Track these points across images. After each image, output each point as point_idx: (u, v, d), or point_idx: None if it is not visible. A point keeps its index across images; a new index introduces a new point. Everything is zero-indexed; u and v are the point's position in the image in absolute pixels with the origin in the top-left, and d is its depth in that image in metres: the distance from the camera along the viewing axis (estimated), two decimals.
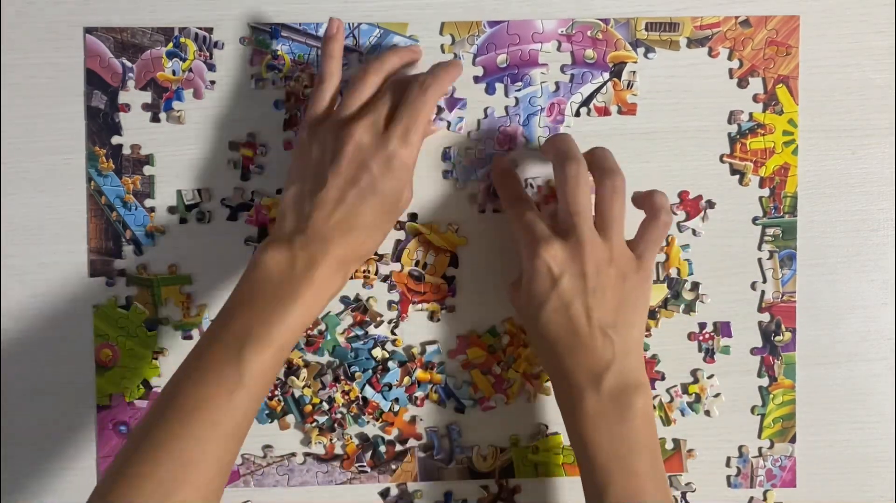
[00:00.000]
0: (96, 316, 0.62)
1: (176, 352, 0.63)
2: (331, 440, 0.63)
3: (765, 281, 0.63)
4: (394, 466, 0.63)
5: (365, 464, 0.63)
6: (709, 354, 0.63)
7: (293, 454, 0.63)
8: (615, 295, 0.53)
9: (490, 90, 0.62)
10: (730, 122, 0.62)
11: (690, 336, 0.63)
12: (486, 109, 0.62)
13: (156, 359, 0.63)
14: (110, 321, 0.62)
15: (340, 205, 0.53)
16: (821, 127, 0.62)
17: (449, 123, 0.62)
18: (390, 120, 0.54)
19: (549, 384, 0.63)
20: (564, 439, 0.63)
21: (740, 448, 0.63)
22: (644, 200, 0.56)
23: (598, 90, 0.62)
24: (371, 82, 0.56)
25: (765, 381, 0.63)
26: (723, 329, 0.63)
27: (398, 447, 0.63)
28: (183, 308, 0.62)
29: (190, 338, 0.63)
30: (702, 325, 0.63)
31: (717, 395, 0.63)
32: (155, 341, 0.63)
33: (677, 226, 0.62)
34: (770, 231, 0.63)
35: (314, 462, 0.63)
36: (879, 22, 0.62)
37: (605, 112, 0.62)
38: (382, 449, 0.63)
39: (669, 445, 0.64)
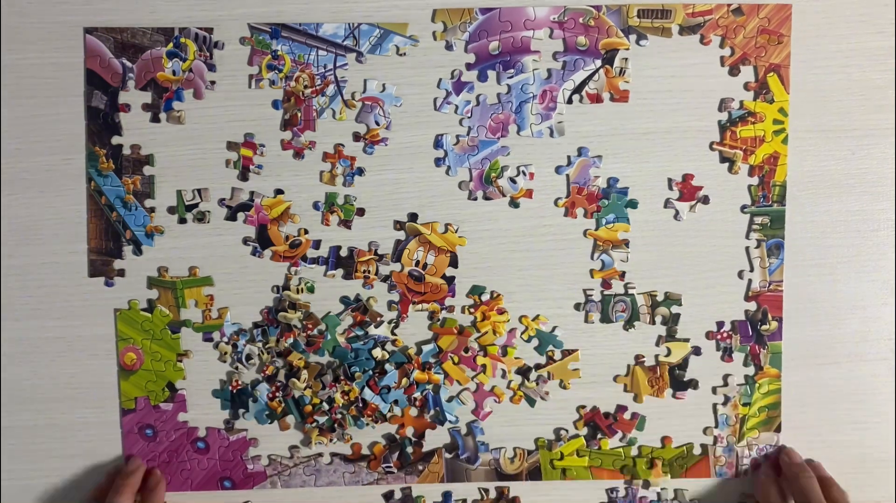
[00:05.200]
0: (119, 319, 0.62)
1: (199, 354, 0.63)
2: (331, 440, 0.63)
3: (752, 270, 0.63)
4: (420, 467, 0.63)
5: (391, 464, 0.63)
6: (727, 353, 0.63)
7: (320, 454, 0.63)
8: None
9: (482, 77, 0.62)
10: (720, 109, 0.62)
11: (709, 335, 0.63)
12: (478, 97, 0.62)
13: (180, 361, 0.63)
14: (133, 324, 0.62)
15: None
16: (821, 127, 0.62)
17: (456, 107, 0.62)
18: None
19: (537, 379, 0.63)
20: (594, 444, 0.64)
21: (727, 437, 0.63)
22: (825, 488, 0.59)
23: (590, 77, 0.62)
24: None
25: (751, 370, 0.63)
26: (741, 328, 0.63)
27: (425, 447, 0.63)
28: (206, 310, 0.62)
29: (210, 340, 0.63)
30: (720, 324, 0.63)
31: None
32: (179, 344, 0.63)
33: (664, 202, 0.62)
34: (758, 220, 0.62)
35: (341, 462, 0.64)
36: (879, 22, 0.62)
37: (597, 99, 0.62)
38: (409, 450, 0.63)
39: (697, 450, 0.64)
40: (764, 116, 0.62)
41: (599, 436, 0.63)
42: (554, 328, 0.63)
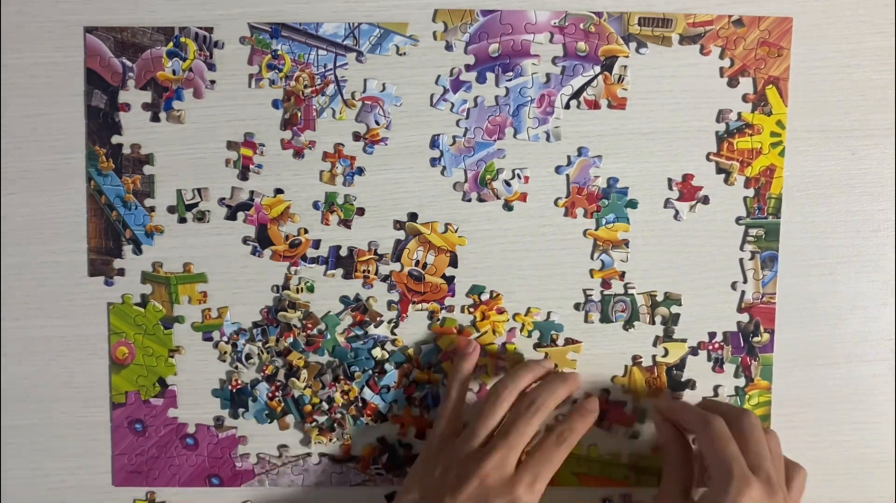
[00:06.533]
0: (112, 313, 0.62)
1: (194, 351, 0.63)
2: (330, 440, 0.63)
3: (745, 281, 0.63)
4: (409, 469, 0.63)
5: (381, 466, 0.63)
6: (718, 364, 0.63)
7: (308, 454, 0.64)
8: None
9: (481, 79, 0.62)
10: (718, 120, 0.62)
11: (700, 345, 0.63)
12: (476, 98, 0.62)
13: (171, 357, 0.63)
14: (126, 318, 0.62)
15: None
16: (820, 127, 0.62)
17: (452, 105, 0.62)
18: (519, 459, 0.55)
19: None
20: (582, 449, 0.64)
21: None
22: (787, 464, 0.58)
23: (588, 83, 0.62)
24: (502, 409, 0.56)
25: (741, 382, 0.63)
26: (732, 339, 0.63)
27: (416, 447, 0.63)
28: (205, 309, 0.62)
29: (210, 339, 0.63)
30: (711, 335, 0.63)
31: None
32: (171, 339, 0.63)
33: (664, 202, 0.62)
34: (753, 232, 0.62)
35: (329, 463, 0.64)
36: (879, 22, 0.62)
37: (594, 105, 0.62)
38: (400, 452, 0.63)
39: None
40: (761, 129, 0.62)
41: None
42: (549, 314, 0.63)
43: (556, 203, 0.62)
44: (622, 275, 0.63)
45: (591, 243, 0.62)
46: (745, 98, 0.62)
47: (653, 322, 0.63)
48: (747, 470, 0.52)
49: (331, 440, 0.63)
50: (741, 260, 0.62)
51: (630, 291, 0.63)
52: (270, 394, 0.63)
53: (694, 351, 0.63)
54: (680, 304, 0.63)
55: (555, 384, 0.57)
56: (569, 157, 0.62)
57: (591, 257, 0.63)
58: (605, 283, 0.63)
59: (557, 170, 0.62)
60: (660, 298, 0.63)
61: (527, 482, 0.53)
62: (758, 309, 0.63)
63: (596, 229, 0.62)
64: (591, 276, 0.63)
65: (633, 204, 0.62)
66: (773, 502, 0.52)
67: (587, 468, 0.63)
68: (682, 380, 0.63)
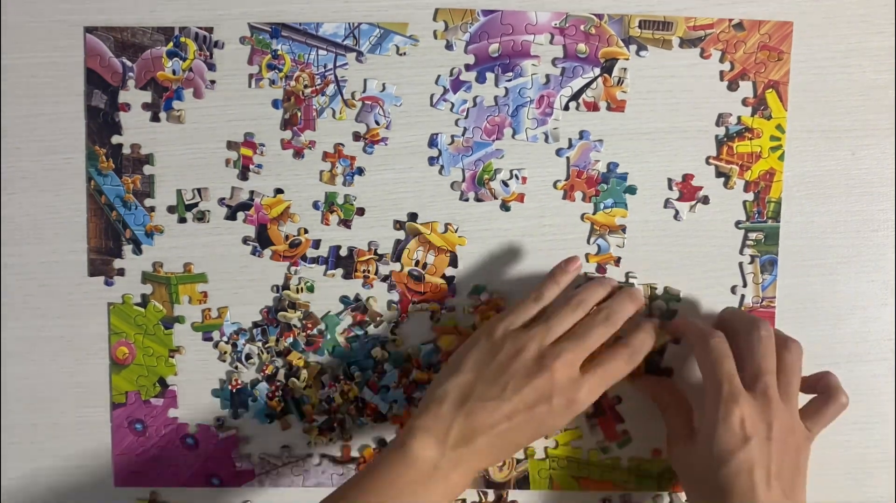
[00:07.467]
0: (113, 313, 0.62)
1: (194, 351, 0.63)
2: (330, 440, 0.63)
3: (745, 285, 0.63)
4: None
5: None
6: None
7: (309, 454, 0.64)
8: (791, 464, 0.53)
9: (480, 79, 0.62)
10: (718, 124, 0.62)
11: None
12: (475, 98, 0.62)
13: (172, 357, 0.63)
14: (127, 318, 0.62)
15: (505, 423, 0.52)
16: (820, 127, 0.62)
17: (452, 105, 0.62)
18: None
19: None
20: (583, 453, 0.63)
21: None
22: (820, 380, 0.57)
23: (588, 85, 0.62)
24: (582, 312, 0.57)
25: None
26: None
27: None
28: (205, 309, 0.62)
29: (210, 339, 0.63)
30: None
31: None
32: (171, 339, 0.63)
33: (664, 202, 0.62)
34: (752, 235, 0.62)
35: (329, 463, 0.64)
36: (879, 22, 0.62)
37: (594, 107, 0.62)
38: None
39: None
40: (761, 133, 0.62)
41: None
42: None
43: (555, 185, 0.62)
44: (617, 261, 0.62)
45: (587, 227, 0.62)
46: (744, 102, 0.62)
47: (649, 314, 0.63)
48: (738, 387, 0.53)
49: (331, 440, 0.63)
50: (741, 264, 0.62)
51: (631, 280, 0.62)
52: (270, 394, 0.63)
53: (675, 339, 0.62)
54: (678, 301, 0.62)
55: (626, 301, 0.57)
56: (570, 139, 0.62)
57: (588, 241, 0.62)
58: (601, 268, 0.62)
59: (558, 152, 0.62)
60: (659, 291, 0.63)
61: (590, 386, 0.54)
62: (757, 313, 0.63)
63: (594, 213, 0.62)
64: (587, 261, 0.62)
65: (631, 190, 0.62)
66: (766, 416, 0.52)
67: (587, 472, 0.63)
68: (662, 366, 0.63)
